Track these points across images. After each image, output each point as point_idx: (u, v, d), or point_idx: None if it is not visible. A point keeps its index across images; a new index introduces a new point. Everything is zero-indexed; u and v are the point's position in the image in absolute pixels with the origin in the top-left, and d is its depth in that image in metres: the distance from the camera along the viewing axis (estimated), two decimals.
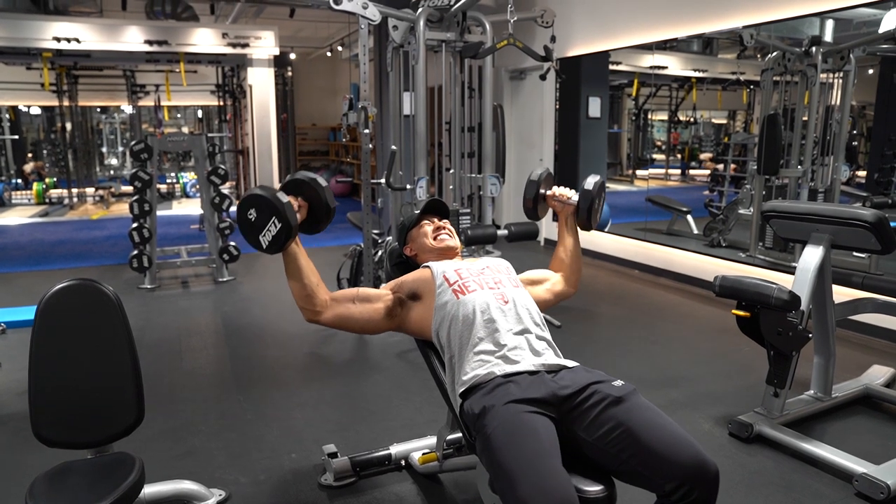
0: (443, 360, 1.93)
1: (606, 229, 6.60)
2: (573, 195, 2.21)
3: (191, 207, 10.68)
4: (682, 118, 8.74)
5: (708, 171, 8.08)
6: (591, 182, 2.16)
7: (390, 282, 2.08)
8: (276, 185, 8.40)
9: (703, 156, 8.73)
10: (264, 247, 1.84)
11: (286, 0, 6.92)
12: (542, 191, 2.26)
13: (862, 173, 5.68)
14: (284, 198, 1.82)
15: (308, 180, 1.92)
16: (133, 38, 7.50)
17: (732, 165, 6.63)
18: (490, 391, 1.68)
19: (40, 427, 1.74)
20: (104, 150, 14.71)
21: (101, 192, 11.64)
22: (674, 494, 1.50)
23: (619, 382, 1.73)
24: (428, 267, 2.03)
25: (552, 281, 2.23)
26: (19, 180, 12.71)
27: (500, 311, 1.86)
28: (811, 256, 2.74)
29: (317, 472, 2.51)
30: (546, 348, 1.86)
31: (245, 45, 7.89)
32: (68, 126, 11.27)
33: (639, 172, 9.48)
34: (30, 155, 13.78)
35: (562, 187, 2.25)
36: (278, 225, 1.81)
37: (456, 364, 1.84)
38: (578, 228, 2.24)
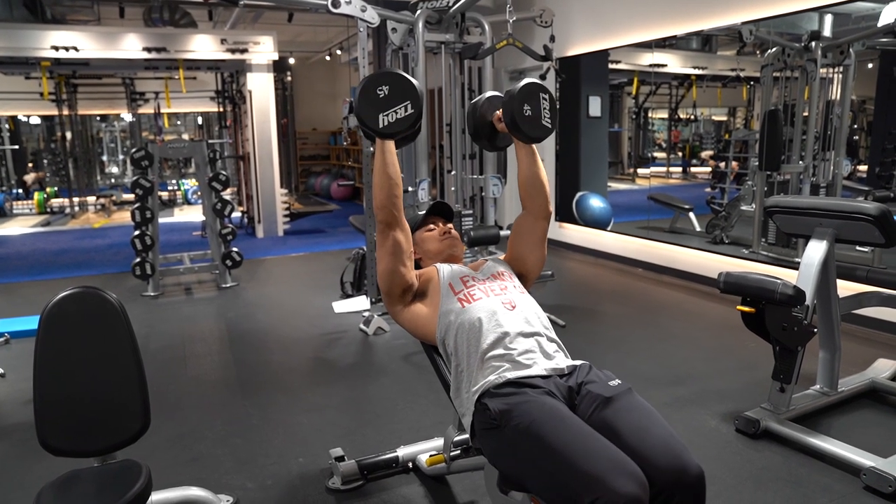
0: (448, 366, 1.92)
1: (609, 228, 6.60)
2: None
3: (192, 214, 10.70)
4: (682, 116, 8.74)
5: (709, 169, 8.07)
6: (513, 86, 1.88)
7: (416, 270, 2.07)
8: (279, 189, 8.41)
9: (704, 153, 8.73)
10: (381, 125, 1.78)
11: (284, 5, 6.92)
12: (488, 119, 2.03)
13: (863, 168, 5.67)
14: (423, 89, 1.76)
15: (419, 91, 1.85)
16: (131, 46, 7.50)
17: (734, 162, 6.62)
18: (510, 393, 1.66)
19: (46, 436, 1.74)
20: (105, 158, 14.74)
21: (102, 200, 11.66)
22: (657, 500, 1.46)
23: (614, 382, 1.71)
24: (435, 268, 2.02)
25: (526, 232, 2.07)
26: (20, 190, 12.73)
27: (508, 317, 1.84)
28: (815, 251, 2.73)
29: (324, 476, 2.50)
30: (557, 350, 1.85)
31: (244, 51, 7.89)
32: (68, 135, 11.29)
33: (640, 171, 9.49)
34: (30, 165, 13.81)
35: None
36: (410, 110, 1.75)
37: (464, 372, 1.82)
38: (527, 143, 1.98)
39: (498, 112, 1.98)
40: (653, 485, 1.45)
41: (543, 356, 1.79)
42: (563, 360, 1.82)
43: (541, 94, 1.91)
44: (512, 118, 1.86)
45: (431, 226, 2.18)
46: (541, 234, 2.07)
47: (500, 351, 1.77)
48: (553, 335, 1.89)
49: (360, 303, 4.87)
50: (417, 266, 2.18)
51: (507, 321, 1.82)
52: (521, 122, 1.88)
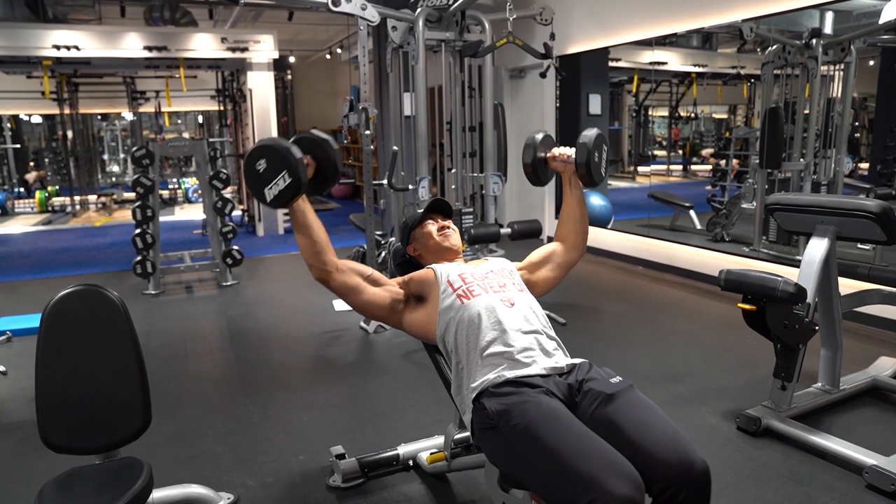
0: (449, 363, 1.92)
1: (609, 226, 6.60)
2: (573, 153, 2.13)
3: (193, 212, 10.70)
4: (682, 114, 8.73)
5: (710, 167, 8.06)
6: (586, 135, 2.08)
7: (399, 276, 2.08)
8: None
9: (704, 151, 8.72)
10: (268, 199, 1.81)
11: (285, 3, 6.92)
12: (541, 154, 2.20)
13: (864, 165, 5.66)
14: (298, 153, 1.79)
15: (318, 139, 1.88)
16: (132, 45, 7.50)
17: (735, 160, 6.61)
18: (508, 392, 1.66)
19: (48, 433, 1.74)
20: (106, 157, 14.74)
21: (103, 198, 11.67)
22: (662, 495, 1.46)
23: (616, 379, 1.71)
24: (432, 269, 2.02)
25: (555, 255, 2.17)
26: (22, 189, 12.74)
27: (507, 314, 1.84)
28: (816, 248, 2.73)
29: (325, 473, 2.50)
30: (556, 348, 1.85)
31: (244, 50, 7.89)
32: (69, 134, 11.30)
33: (640, 169, 9.47)
34: (32, 164, 13.80)
35: (562, 147, 2.19)
36: (288, 180, 1.77)
37: (464, 370, 1.82)
38: (581, 186, 2.16)
39: (554, 151, 2.17)
40: (658, 480, 1.45)
41: (543, 354, 1.79)
42: (562, 359, 1.81)
43: (603, 145, 2.15)
44: (587, 163, 2.06)
45: (430, 222, 2.18)
46: (571, 263, 2.19)
47: (499, 348, 1.77)
48: (552, 333, 1.89)
49: None
50: (417, 263, 2.19)
51: (506, 318, 1.82)
52: (593, 166, 2.08)
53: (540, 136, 2.21)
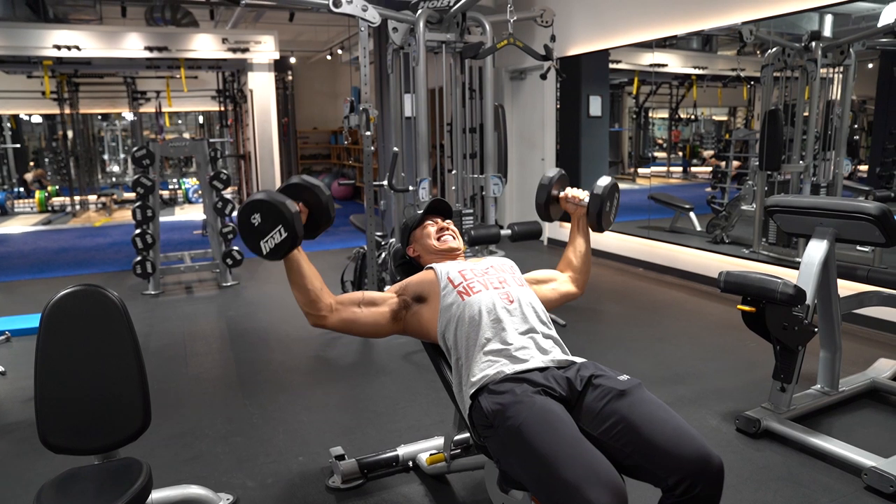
0: (449, 361, 1.93)
1: (609, 228, 6.59)
2: (586, 197, 2.19)
3: (193, 213, 10.70)
4: (682, 116, 8.73)
5: (710, 168, 8.07)
6: (601, 184, 2.15)
7: (394, 285, 2.08)
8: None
9: (705, 153, 8.72)
10: (265, 253, 1.80)
11: (286, 4, 6.93)
12: (554, 192, 2.25)
13: (864, 167, 5.67)
14: (293, 206, 1.78)
15: (309, 185, 1.88)
16: (133, 45, 7.51)
17: (736, 162, 6.62)
18: (505, 390, 1.67)
19: (47, 434, 1.74)
20: (106, 157, 14.74)
21: (103, 199, 11.67)
22: (677, 489, 1.48)
23: (624, 377, 1.73)
24: (432, 268, 2.02)
25: (558, 281, 2.22)
26: (21, 189, 12.74)
27: (506, 311, 1.85)
28: (815, 250, 2.73)
29: (324, 474, 2.51)
30: (553, 346, 1.86)
31: (245, 50, 7.91)
32: (70, 134, 11.30)
33: (640, 170, 9.47)
34: (31, 164, 13.79)
35: (575, 189, 2.24)
36: (284, 234, 1.77)
37: (463, 366, 1.83)
38: (590, 230, 2.24)
39: (567, 193, 2.24)
40: (672, 474, 1.48)
41: (539, 351, 1.81)
42: (559, 354, 1.83)
43: (616, 193, 2.23)
44: (599, 210, 2.13)
45: (430, 223, 2.19)
46: (569, 296, 2.22)
47: (497, 346, 1.79)
48: (550, 331, 1.90)
49: None
50: (417, 265, 2.19)
51: (506, 315, 1.84)
52: (603, 215, 2.15)
53: (556, 176, 2.26)
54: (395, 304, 1.99)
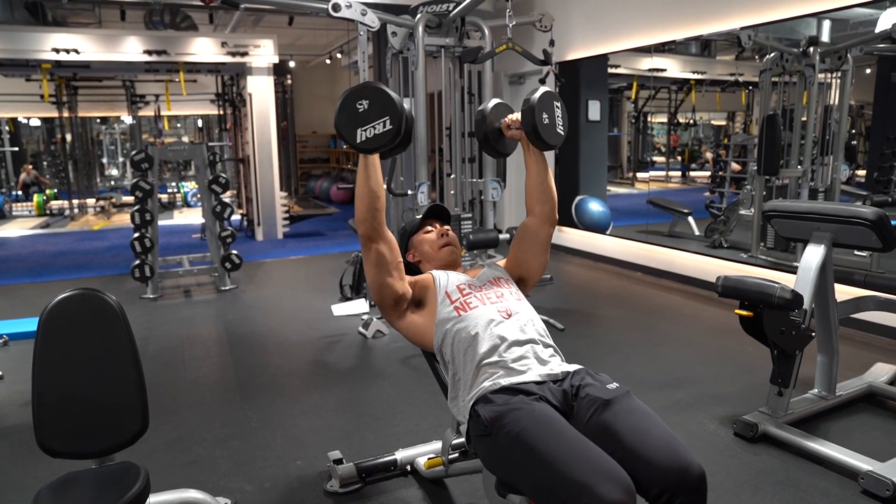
0: (446, 371, 1.92)
1: (608, 232, 6.61)
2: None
3: (192, 217, 10.71)
4: (681, 120, 8.76)
5: (709, 172, 8.09)
6: (531, 95, 1.92)
7: (410, 277, 2.04)
8: (279, 192, 8.42)
9: (708, 154, 8.74)
10: (359, 140, 1.76)
11: (285, 8, 6.93)
12: (496, 125, 2.07)
13: (861, 172, 5.69)
14: (407, 104, 1.76)
15: (404, 108, 1.82)
16: (132, 49, 7.51)
17: (737, 166, 6.63)
18: (502, 401, 1.66)
19: (44, 438, 1.74)
20: (104, 160, 14.75)
21: (101, 202, 11.67)
22: (658, 500, 1.47)
23: (613, 385, 1.72)
24: (431, 275, 2.01)
25: (529, 232, 2.09)
26: (20, 192, 12.73)
27: (504, 325, 1.84)
28: (813, 255, 2.74)
29: (322, 478, 2.50)
30: (552, 355, 1.85)
31: (244, 54, 7.90)
32: (68, 137, 11.30)
33: (639, 175, 9.50)
34: (28, 167, 13.73)
35: (514, 114, 2.04)
36: (388, 126, 1.73)
37: (461, 381, 1.83)
38: (539, 150, 2.02)
39: (507, 119, 2.03)
40: (654, 485, 1.46)
41: (538, 362, 1.80)
42: (557, 366, 1.82)
43: (555, 102, 1.97)
44: (533, 126, 1.90)
45: (429, 228, 2.18)
46: (545, 239, 2.09)
47: (494, 358, 1.78)
48: (549, 341, 1.89)
49: (359, 306, 4.87)
50: (416, 270, 2.19)
51: (503, 330, 1.83)
52: (542, 130, 1.92)
53: (490, 105, 2.09)
54: (407, 291, 1.96)
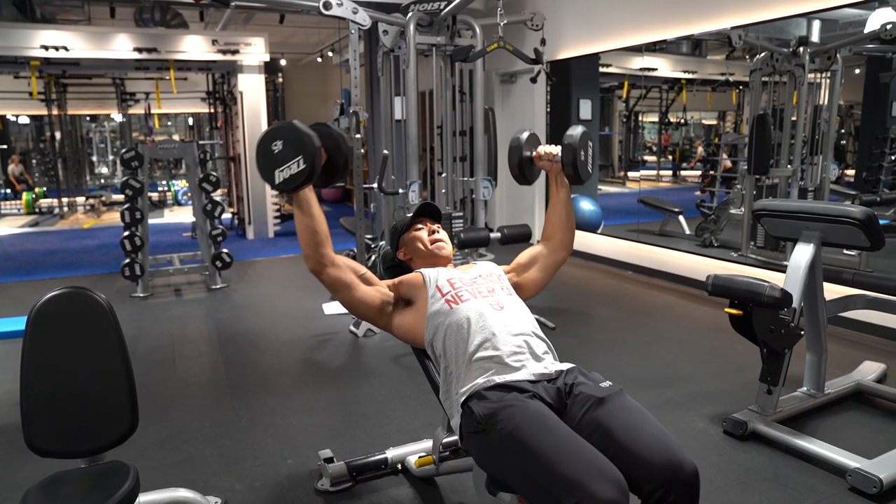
0: (437, 367, 1.92)
1: (599, 231, 6.63)
2: (559, 151, 2.11)
3: (183, 215, 10.66)
4: (672, 119, 8.79)
5: (699, 172, 8.13)
6: (572, 134, 2.06)
7: (388, 279, 2.07)
8: (270, 190, 8.39)
9: (700, 149, 8.78)
10: (277, 182, 1.78)
11: (276, 6, 6.91)
12: (526, 154, 2.20)
13: (851, 172, 5.72)
14: (318, 141, 1.76)
15: (335, 133, 1.86)
16: (122, 46, 7.47)
17: (728, 163, 6.66)
18: (496, 398, 1.66)
19: (33, 437, 1.73)
20: (94, 158, 14.65)
21: (91, 200, 11.60)
22: (651, 497, 1.47)
23: (606, 383, 1.72)
24: (420, 273, 2.02)
25: (542, 255, 2.17)
26: (8, 190, 12.63)
27: (496, 317, 1.84)
28: (802, 254, 2.76)
29: (313, 477, 2.50)
30: (546, 351, 1.86)
31: (235, 52, 7.87)
32: (58, 135, 11.22)
33: (630, 174, 9.53)
34: (15, 159, 13.54)
35: (548, 146, 2.18)
36: (301, 166, 1.74)
37: (453, 374, 1.82)
38: (568, 184, 2.15)
39: (540, 150, 2.17)
40: (647, 483, 1.47)
41: (532, 357, 1.80)
42: (551, 364, 1.82)
43: (589, 141, 2.13)
44: (573, 163, 2.04)
45: (419, 226, 2.18)
46: (559, 264, 2.18)
47: (487, 353, 1.78)
48: (541, 336, 1.90)
49: None
50: (407, 268, 2.19)
51: (495, 322, 1.83)
52: (579, 165, 2.06)
53: (525, 136, 2.21)
54: (387, 296, 1.98)
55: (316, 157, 1.75)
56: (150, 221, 5.67)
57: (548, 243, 2.18)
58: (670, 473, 1.47)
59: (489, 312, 1.85)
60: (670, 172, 9.55)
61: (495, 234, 4.15)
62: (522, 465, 1.51)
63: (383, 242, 4.67)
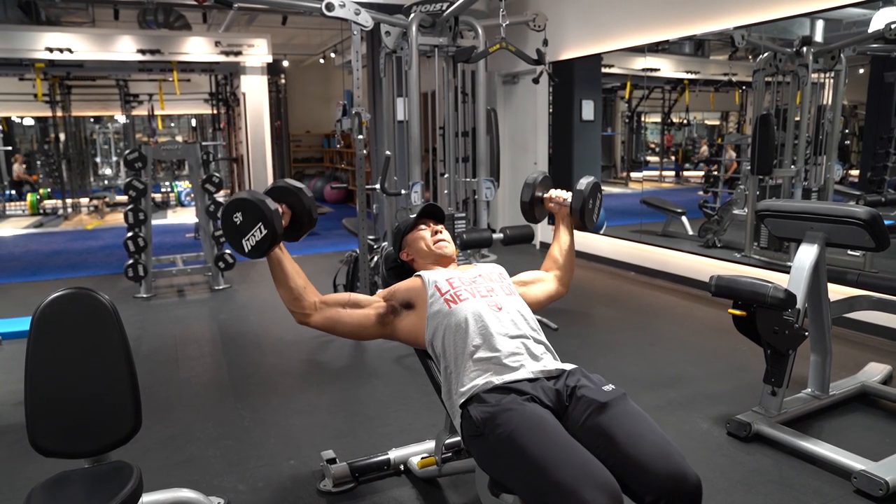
0: (438, 367, 1.93)
1: (602, 232, 6.62)
2: (569, 196, 2.25)
3: (186, 216, 10.66)
4: (675, 120, 8.78)
5: (702, 173, 8.12)
6: (583, 183, 2.21)
7: (383, 290, 2.08)
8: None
9: (703, 149, 8.76)
10: (246, 251, 1.87)
11: (278, 8, 6.92)
12: (538, 194, 2.31)
13: (855, 172, 5.71)
14: (273, 204, 1.84)
15: (293, 188, 1.94)
16: (126, 48, 7.50)
17: (734, 163, 6.65)
18: (494, 401, 1.66)
19: (37, 437, 1.73)
20: (98, 159, 14.68)
21: (95, 201, 11.62)
22: None
23: (609, 387, 1.72)
24: (419, 276, 2.02)
25: (545, 281, 2.24)
26: (13, 191, 12.66)
27: (495, 318, 1.84)
28: (806, 255, 2.75)
29: (315, 478, 2.50)
30: (545, 352, 1.85)
31: (238, 53, 7.90)
32: (62, 136, 11.25)
33: (633, 175, 9.52)
34: (24, 164, 13.59)
35: (558, 190, 2.30)
36: (263, 231, 1.83)
37: (452, 374, 1.83)
38: (574, 230, 2.28)
39: (551, 194, 2.30)
40: (649, 492, 1.46)
41: (531, 357, 1.80)
42: (550, 363, 1.82)
43: (598, 192, 2.28)
44: (581, 208, 2.18)
45: (423, 226, 2.19)
46: (555, 297, 2.25)
47: (485, 353, 1.78)
48: (541, 337, 1.89)
49: None
50: (410, 268, 2.19)
51: (493, 323, 1.83)
52: (586, 213, 2.20)
53: (539, 177, 2.32)
54: (382, 308, 2.00)
55: (275, 220, 1.83)
56: (154, 222, 5.67)
57: (550, 278, 2.25)
58: (674, 484, 1.46)
59: (487, 313, 1.85)
60: (673, 173, 9.54)
61: (498, 235, 4.14)
62: (519, 470, 1.51)
63: (386, 243, 4.67)
